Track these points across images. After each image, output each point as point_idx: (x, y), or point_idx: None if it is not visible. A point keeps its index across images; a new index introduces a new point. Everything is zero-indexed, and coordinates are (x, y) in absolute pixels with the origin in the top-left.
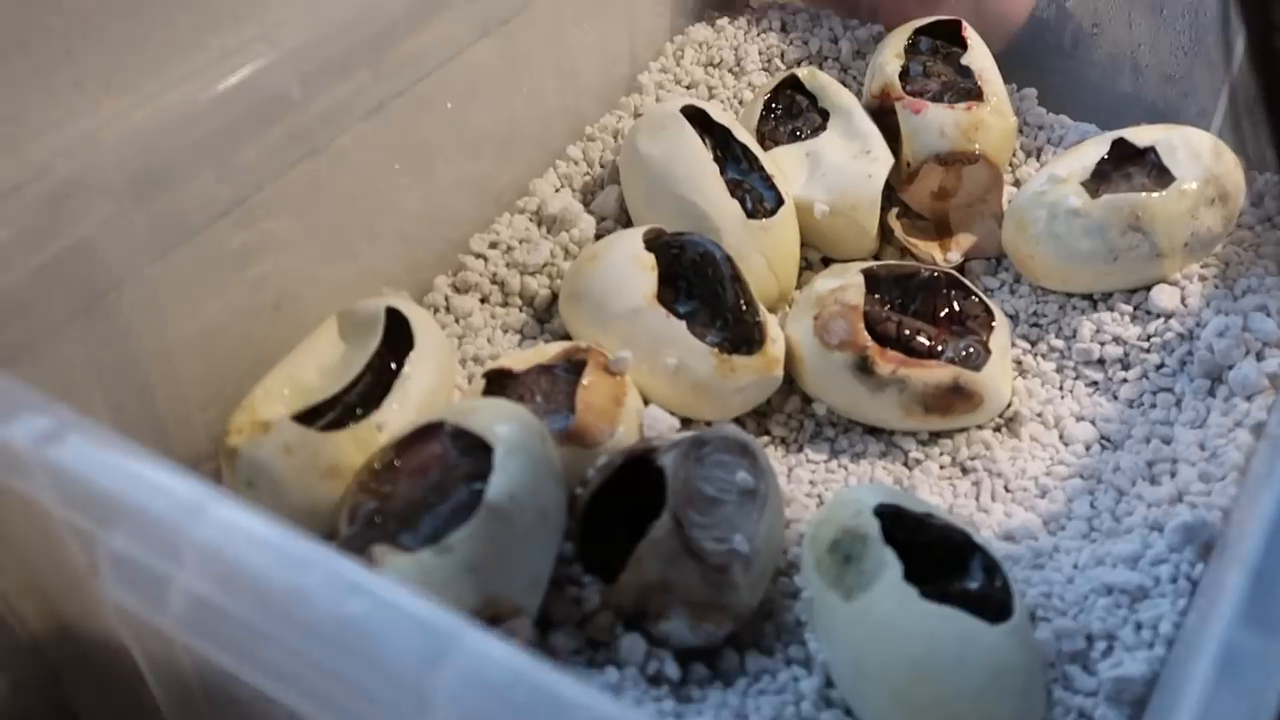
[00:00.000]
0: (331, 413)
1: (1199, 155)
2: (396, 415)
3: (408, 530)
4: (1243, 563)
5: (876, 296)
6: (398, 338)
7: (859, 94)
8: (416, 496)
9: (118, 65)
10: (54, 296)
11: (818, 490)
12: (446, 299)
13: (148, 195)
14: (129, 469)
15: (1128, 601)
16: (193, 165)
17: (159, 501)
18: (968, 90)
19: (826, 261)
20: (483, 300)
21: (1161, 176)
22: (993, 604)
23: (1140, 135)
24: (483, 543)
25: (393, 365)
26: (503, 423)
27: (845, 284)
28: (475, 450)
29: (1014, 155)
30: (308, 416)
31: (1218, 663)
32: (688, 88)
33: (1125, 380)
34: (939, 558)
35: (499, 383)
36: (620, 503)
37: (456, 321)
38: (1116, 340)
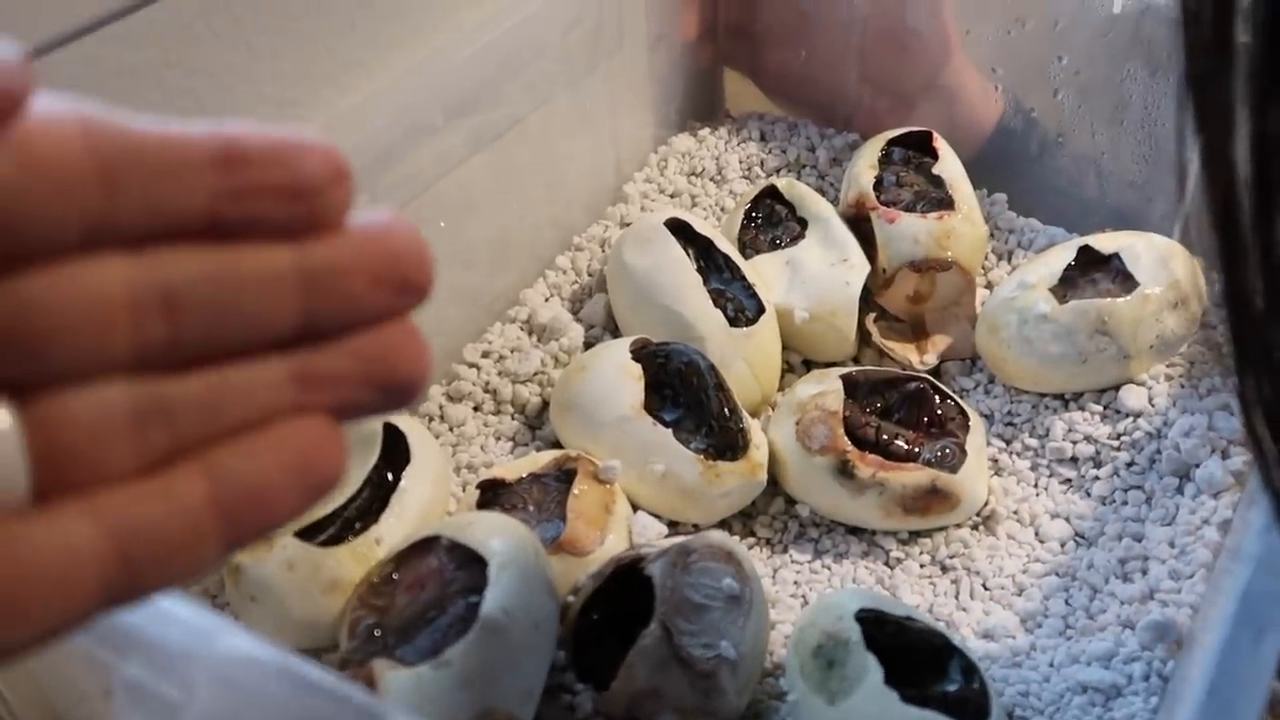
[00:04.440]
0: (331, 527)
1: (1161, 260)
2: (394, 529)
3: (406, 644)
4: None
5: (855, 401)
6: (395, 452)
7: (836, 201)
8: (414, 610)
9: None
10: None
11: (802, 591)
12: (441, 408)
13: None
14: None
15: (1102, 700)
16: None
17: (171, 631)
18: (939, 199)
19: (808, 364)
20: (475, 409)
21: (1126, 282)
22: (971, 706)
23: (1104, 242)
24: (478, 656)
25: (390, 478)
26: (497, 537)
27: (825, 390)
28: (470, 564)
29: (986, 259)
30: (308, 532)
31: None
32: (671, 196)
33: (1097, 478)
34: (919, 660)
35: (492, 492)
36: (611, 610)
37: (451, 430)
38: (1088, 439)
